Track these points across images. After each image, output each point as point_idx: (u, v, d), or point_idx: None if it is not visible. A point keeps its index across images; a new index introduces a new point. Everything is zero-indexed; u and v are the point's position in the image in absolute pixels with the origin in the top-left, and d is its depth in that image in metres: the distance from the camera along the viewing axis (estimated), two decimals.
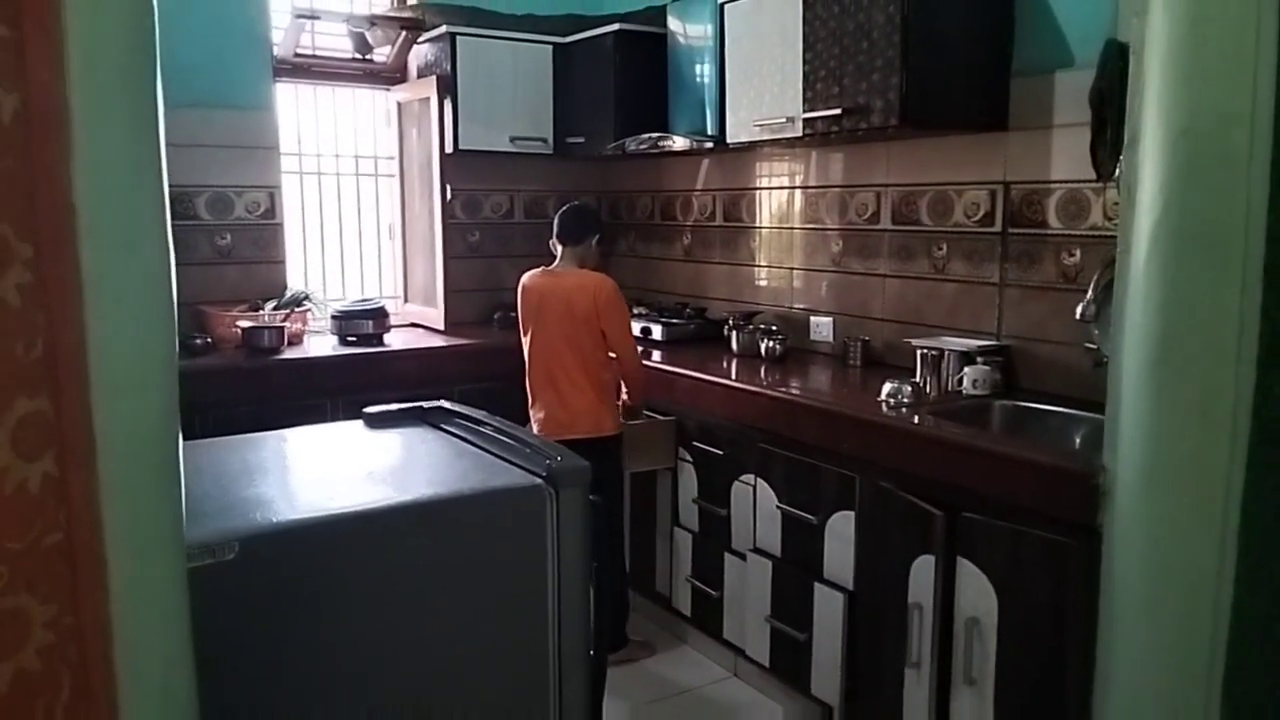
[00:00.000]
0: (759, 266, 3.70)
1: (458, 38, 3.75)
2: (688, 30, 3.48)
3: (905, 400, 2.53)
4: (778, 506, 2.73)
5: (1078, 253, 2.57)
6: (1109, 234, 2.40)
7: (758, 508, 2.83)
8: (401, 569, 1.53)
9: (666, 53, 3.57)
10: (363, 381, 3.37)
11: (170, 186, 1.03)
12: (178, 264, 1.05)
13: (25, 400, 0.91)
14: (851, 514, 2.50)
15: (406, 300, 4.18)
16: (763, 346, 3.29)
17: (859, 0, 2.67)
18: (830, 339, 3.35)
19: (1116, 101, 2.03)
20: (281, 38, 3.79)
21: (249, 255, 3.78)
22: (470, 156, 3.89)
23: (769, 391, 2.78)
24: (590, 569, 1.72)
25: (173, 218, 1.03)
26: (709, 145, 3.37)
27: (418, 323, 4.08)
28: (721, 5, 3.22)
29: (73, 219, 0.92)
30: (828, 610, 2.57)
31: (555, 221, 3.14)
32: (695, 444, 3.06)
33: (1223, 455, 1.54)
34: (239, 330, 3.42)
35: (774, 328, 3.40)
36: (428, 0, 4.02)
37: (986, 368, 2.64)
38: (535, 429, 3.02)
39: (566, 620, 1.67)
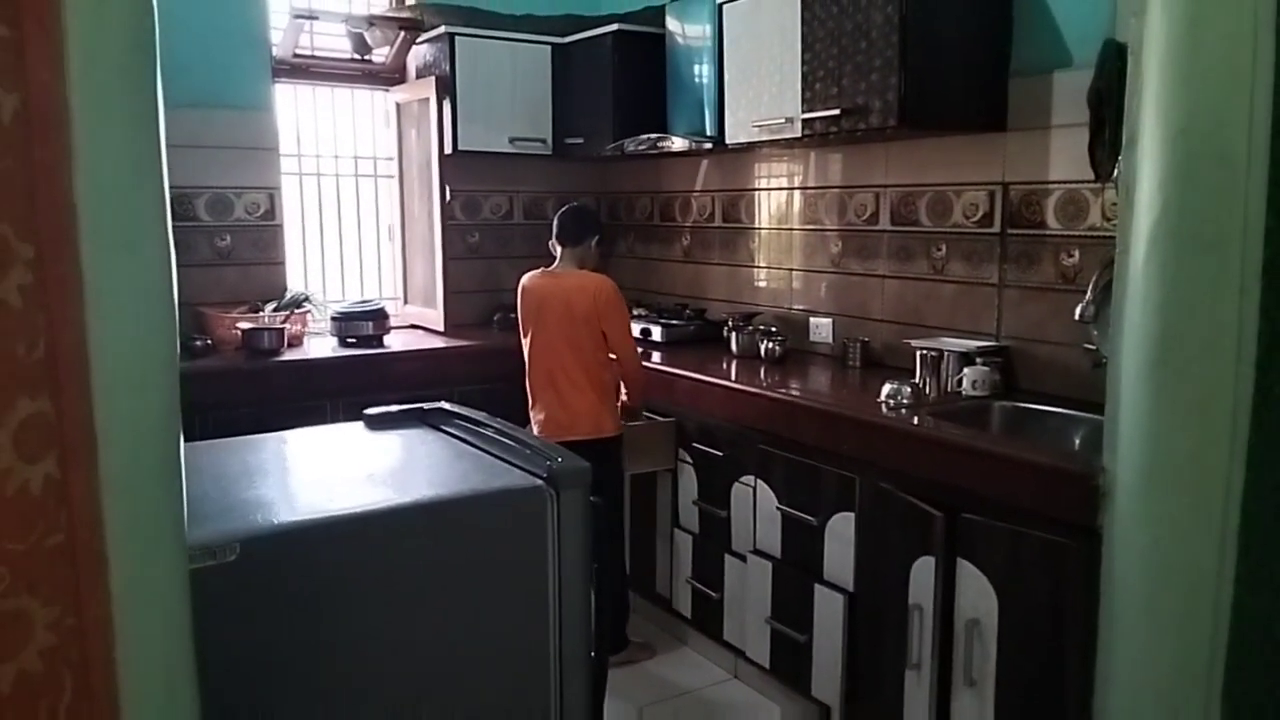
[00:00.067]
0: (758, 267, 3.70)
1: (456, 38, 3.76)
2: (686, 30, 3.48)
3: (905, 401, 2.53)
4: (778, 508, 2.73)
5: (1076, 253, 2.57)
6: (1108, 234, 2.40)
7: (758, 509, 2.83)
8: (402, 570, 1.53)
9: (665, 53, 3.57)
10: (362, 383, 3.38)
11: (169, 188, 1.03)
12: (177, 265, 1.05)
13: (27, 401, 0.91)
14: (851, 515, 2.50)
15: (406, 302, 4.18)
16: (762, 347, 3.29)
17: (857, 0, 2.68)
18: (829, 340, 3.35)
19: (1115, 102, 2.03)
20: (280, 38, 3.79)
21: (248, 256, 3.78)
22: (469, 157, 3.89)
23: (769, 393, 2.78)
24: (591, 570, 1.72)
25: (172, 219, 1.03)
26: (708, 146, 3.37)
27: (417, 324, 4.08)
28: (720, 5, 3.22)
29: (73, 219, 0.92)
30: (828, 611, 2.57)
31: (554, 222, 3.14)
32: (695, 445, 3.06)
33: (1222, 455, 1.54)
34: (239, 332, 3.41)
35: (773, 329, 3.40)
36: (426, 0, 4.02)
37: (986, 369, 2.64)
38: (535, 430, 3.02)
39: (567, 622, 1.67)
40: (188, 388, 1.08)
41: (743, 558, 2.88)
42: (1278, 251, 1.49)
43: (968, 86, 2.69)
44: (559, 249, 3.11)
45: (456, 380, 3.45)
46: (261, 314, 3.60)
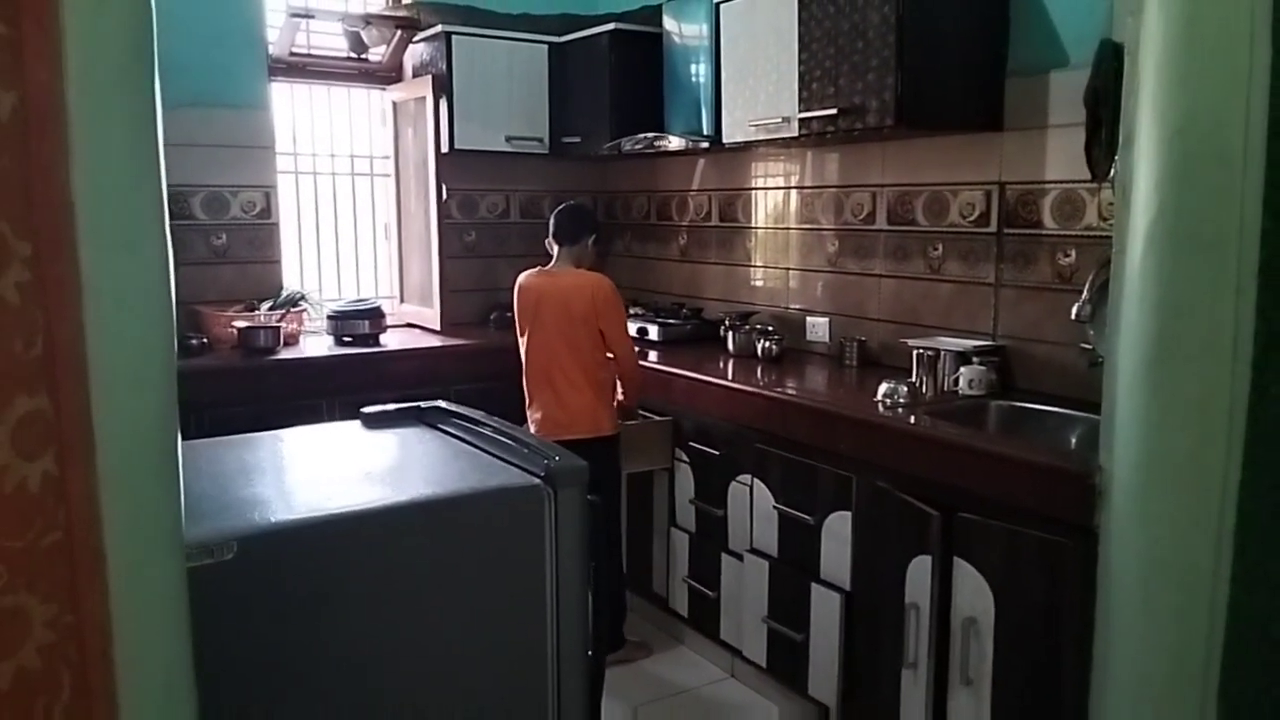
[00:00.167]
0: (755, 267, 3.70)
1: (453, 37, 3.75)
2: (683, 30, 3.48)
3: (901, 400, 2.53)
4: (774, 507, 2.73)
5: (1073, 253, 2.58)
6: (1104, 234, 2.40)
7: (754, 508, 2.83)
8: (399, 569, 1.53)
9: (662, 52, 3.58)
10: (359, 382, 3.37)
11: (166, 186, 1.03)
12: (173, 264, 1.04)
13: (25, 399, 0.91)
14: (848, 514, 2.51)
15: (402, 300, 4.18)
16: (759, 347, 3.29)
17: (854, 0, 2.68)
18: (826, 339, 3.36)
19: (1111, 101, 2.04)
20: (277, 37, 3.79)
21: (245, 255, 3.78)
22: (466, 156, 3.89)
23: (765, 392, 2.78)
24: (588, 569, 1.72)
25: (169, 217, 1.03)
26: (704, 145, 3.37)
27: (414, 323, 4.07)
28: (717, 5, 3.22)
29: (71, 217, 0.92)
30: (825, 610, 2.57)
31: (551, 221, 3.14)
32: (692, 444, 3.07)
33: (1219, 454, 1.55)
34: (235, 330, 3.41)
35: (770, 328, 3.40)
36: None
37: (982, 368, 2.65)
38: (533, 429, 3.02)
39: (565, 621, 1.67)
40: (183, 386, 1.07)
41: (739, 557, 2.89)
42: (1274, 251, 1.49)
43: (964, 86, 2.70)
44: (556, 248, 3.11)
45: (453, 379, 3.45)
46: (257, 313, 3.60)
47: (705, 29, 3.33)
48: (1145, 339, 1.61)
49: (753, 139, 3.13)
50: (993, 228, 2.79)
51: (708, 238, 3.94)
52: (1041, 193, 2.65)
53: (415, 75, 4.00)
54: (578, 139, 3.89)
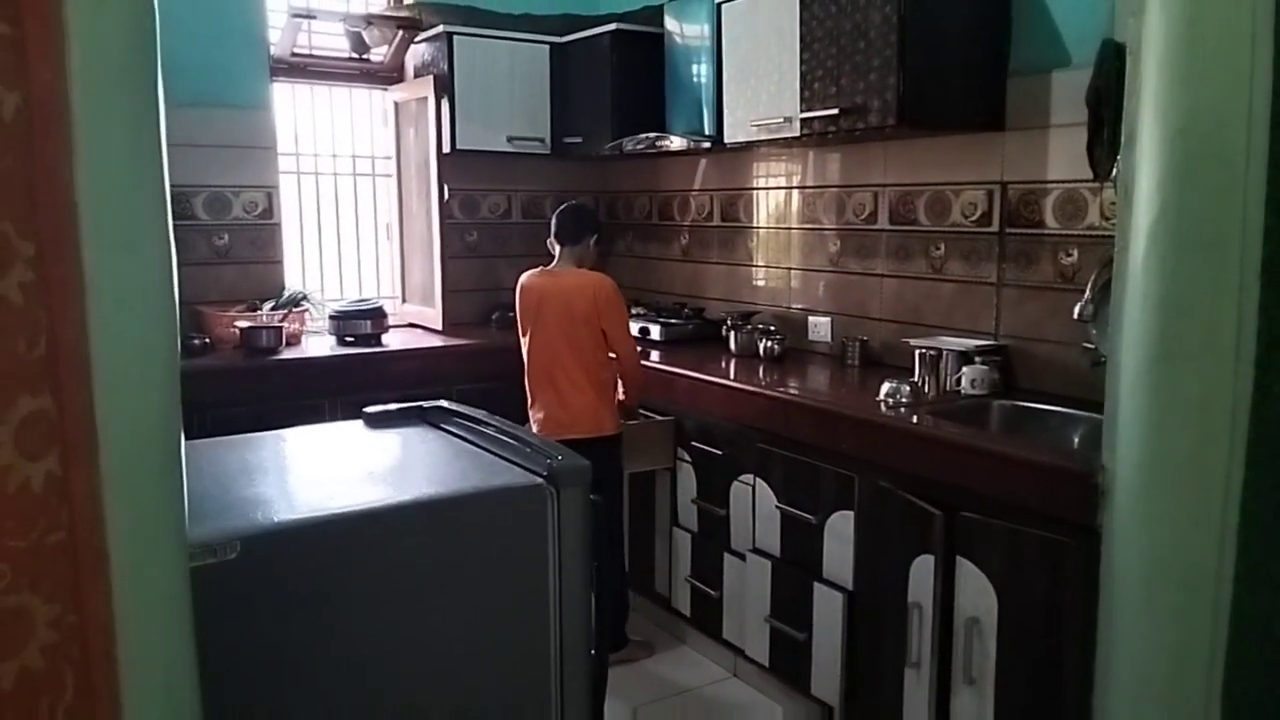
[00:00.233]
0: (757, 266, 3.70)
1: (455, 37, 3.75)
2: (685, 30, 3.48)
3: (904, 400, 2.53)
4: (777, 506, 2.73)
5: (1075, 252, 2.58)
6: (1106, 233, 2.40)
7: (757, 508, 2.83)
8: (402, 568, 1.53)
9: (664, 53, 3.57)
10: (361, 382, 3.37)
11: (168, 186, 1.03)
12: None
13: (28, 399, 0.91)
14: (851, 514, 2.51)
15: (404, 300, 4.18)
16: (761, 346, 3.29)
17: (856, 0, 2.68)
18: (828, 339, 3.36)
19: (1113, 101, 2.04)
20: (278, 37, 3.79)
21: (247, 255, 3.78)
22: (467, 156, 3.89)
23: (767, 391, 2.78)
24: (591, 569, 1.72)
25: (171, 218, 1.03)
26: (706, 145, 3.37)
27: (416, 323, 4.08)
28: (718, 5, 3.22)
29: (74, 217, 0.92)
30: (827, 610, 2.57)
31: (553, 221, 3.14)
32: (694, 444, 3.07)
33: (1222, 453, 1.55)
34: (237, 330, 3.41)
35: (772, 328, 3.40)
36: (424, 0, 4.02)
37: (985, 367, 2.64)
38: (535, 429, 3.02)
39: (568, 620, 1.67)
40: (186, 386, 1.08)
41: (742, 556, 2.89)
42: (1276, 250, 1.49)
43: (966, 86, 2.69)
44: (557, 248, 3.11)
45: (455, 379, 3.45)
46: (259, 313, 3.60)
47: (707, 29, 3.33)
48: (1148, 338, 1.61)
49: (754, 139, 3.12)
50: (995, 227, 2.79)
51: (709, 238, 3.94)
52: (1043, 192, 2.65)
53: (417, 75, 4.00)
54: (579, 139, 3.89)
